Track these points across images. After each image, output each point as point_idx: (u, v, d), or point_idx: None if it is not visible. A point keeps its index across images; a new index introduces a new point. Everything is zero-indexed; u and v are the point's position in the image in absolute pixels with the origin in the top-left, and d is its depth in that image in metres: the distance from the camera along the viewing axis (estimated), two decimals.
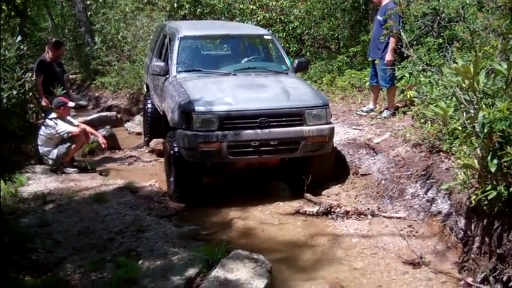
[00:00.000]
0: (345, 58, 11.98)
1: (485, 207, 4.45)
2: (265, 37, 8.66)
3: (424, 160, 6.38)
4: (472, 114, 4.28)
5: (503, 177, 4.18)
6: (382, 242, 5.50)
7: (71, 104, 8.52)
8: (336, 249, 5.51)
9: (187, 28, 8.55)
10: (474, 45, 6.49)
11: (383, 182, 6.63)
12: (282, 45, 10.53)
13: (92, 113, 14.47)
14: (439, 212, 5.63)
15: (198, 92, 6.78)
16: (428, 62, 7.86)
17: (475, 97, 4.29)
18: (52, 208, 6.34)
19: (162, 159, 7.75)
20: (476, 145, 4.44)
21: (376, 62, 8.48)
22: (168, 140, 6.93)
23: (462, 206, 5.12)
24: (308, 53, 12.94)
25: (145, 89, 10.48)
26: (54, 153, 8.01)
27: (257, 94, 6.82)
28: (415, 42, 9.07)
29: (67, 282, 4.51)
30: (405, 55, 7.86)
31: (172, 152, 6.67)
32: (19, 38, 6.90)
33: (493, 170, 4.12)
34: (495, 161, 4.12)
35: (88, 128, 8.57)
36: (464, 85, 4.26)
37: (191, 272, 4.54)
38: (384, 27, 7.92)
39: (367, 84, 9.56)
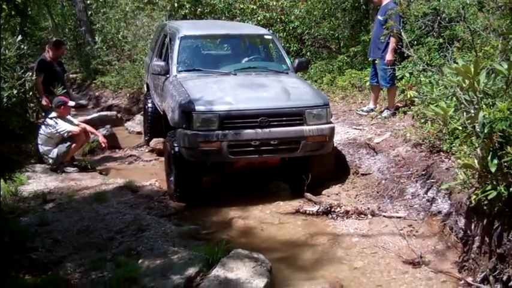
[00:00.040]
0: (346, 58, 11.97)
1: (485, 207, 4.45)
2: (266, 37, 8.66)
3: (424, 160, 6.38)
4: (473, 114, 4.28)
5: (504, 177, 4.18)
6: (382, 242, 5.50)
7: (71, 103, 8.52)
8: (336, 248, 5.52)
9: (188, 28, 8.55)
10: (474, 45, 6.49)
11: (383, 181, 6.63)
12: (283, 45, 10.53)
13: (92, 112, 14.49)
14: (439, 212, 5.63)
15: (199, 91, 6.78)
16: (428, 62, 7.85)
17: (475, 97, 4.29)
18: (52, 207, 6.35)
19: (162, 159, 7.75)
20: (477, 145, 4.45)
21: (376, 61, 8.48)
22: (168, 140, 6.94)
23: (462, 205, 5.12)
24: (308, 53, 12.93)
25: (145, 89, 10.47)
26: (55, 152, 8.01)
27: (257, 94, 6.82)
28: (415, 42, 9.06)
29: (67, 281, 4.51)
30: (405, 55, 7.84)
31: (172, 151, 6.67)
32: (19, 37, 6.89)
33: (493, 170, 4.12)
34: (495, 161, 4.12)
35: (88, 127, 8.58)
36: (464, 85, 4.26)
37: (191, 271, 4.54)
38: (384, 27, 7.91)
39: (368, 84, 9.55)
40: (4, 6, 4.88)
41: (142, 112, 10.83)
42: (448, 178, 5.65)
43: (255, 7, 12.98)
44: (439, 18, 9.15)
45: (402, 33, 7.33)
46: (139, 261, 4.81)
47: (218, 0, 13.40)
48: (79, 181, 7.48)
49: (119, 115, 13.45)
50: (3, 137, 4.36)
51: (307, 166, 6.91)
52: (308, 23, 12.79)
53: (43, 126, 7.79)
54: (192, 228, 5.88)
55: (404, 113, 8.24)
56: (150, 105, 9.44)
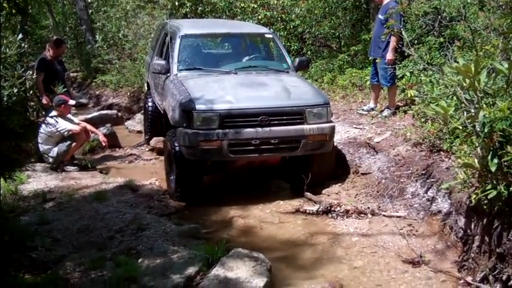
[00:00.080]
0: (346, 57, 11.96)
1: (485, 207, 4.45)
2: (267, 36, 8.66)
3: (424, 159, 6.38)
4: (473, 114, 4.28)
5: (504, 176, 4.18)
6: (382, 241, 5.50)
7: (72, 102, 8.53)
8: (335, 248, 5.51)
9: (189, 26, 8.55)
10: (475, 44, 6.49)
11: (383, 181, 6.62)
12: (283, 43, 10.52)
13: (93, 111, 14.49)
14: (439, 211, 5.63)
15: (199, 90, 6.78)
16: (429, 61, 7.85)
17: (475, 96, 4.29)
18: (52, 206, 6.35)
19: (163, 158, 7.75)
20: (477, 144, 4.45)
21: (377, 60, 8.47)
22: (168, 139, 6.93)
23: (462, 205, 5.12)
24: (309, 52, 12.93)
25: (146, 88, 10.47)
26: (55, 151, 8.01)
27: (258, 92, 6.82)
28: (416, 41, 9.06)
29: (67, 280, 4.51)
30: (406, 54, 7.84)
31: (173, 150, 6.67)
32: (20, 35, 6.90)
33: (493, 169, 4.12)
34: (495, 161, 4.12)
35: (88, 126, 8.57)
36: (465, 84, 4.26)
37: (191, 270, 4.54)
38: (385, 26, 7.92)
39: (368, 83, 9.55)
40: (5, 5, 4.88)
41: (142, 111, 10.82)
42: (448, 177, 5.64)
43: (255, 6, 12.98)
44: (439, 17, 9.15)
45: (403, 32, 7.34)
46: (139, 260, 4.81)
47: None
48: (79, 180, 7.48)
49: (119, 114, 13.44)
50: (3, 135, 4.36)
51: (308, 165, 6.91)
52: (309, 22, 12.79)
53: (43, 125, 7.83)
54: (192, 227, 5.89)
55: (405, 112, 8.24)
56: (150, 104, 9.44)
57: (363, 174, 7.06)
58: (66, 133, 8.03)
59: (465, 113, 4.45)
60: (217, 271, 4.49)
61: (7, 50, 6.24)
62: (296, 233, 5.93)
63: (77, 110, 12.43)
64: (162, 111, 8.06)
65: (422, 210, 5.84)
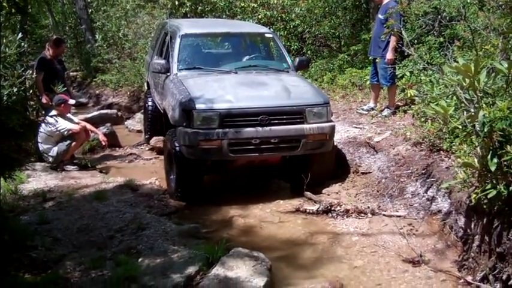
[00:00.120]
0: (346, 56, 11.97)
1: (485, 206, 4.46)
2: (266, 35, 8.66)
3: (424, 159, 6.38)
4: (473, 113, 4.28)
5: (503, 176, 4.18)
6: (382, 241, 5.50)
7: (72, 101, 8.52)
8: (335, 247, 5.52)
9: (189, 26, 8.55)
10: (475, 44, 6.49)
11: (383, 180, 6.62)
12: (283, 43, 10.52)
13: (93, 110, 14.48)
14: (439, 211, 5.63)
15: (199, 89, 6.78)
16: (429, 60, 7.86)
17: (475, 96, 4.29)
18: (52, 206, 6.35)
19: (162, 157, 7.75)
20: (477, 144, 4.45)
21: (377, 60, 8.48)
22: (168, 138, 6.93)
23: (462, 204, 5.12)
24: (309, 52, 12.94)
25: (145, 87, 10.47)
26: (55, 150, 8.01)
27: (258, 92, 6.82)
28: (416, 41, 9.07)
29: (67, 279, 4.51)
30: (406, 54, 7.84)
31: (173, 149, 6.67)
32: (20, 35, 6.91)
33: (493, 169, 4.13)
34: (495, 160, 4.12)
35: (88, 126, 8.57)
36: (464, 84, 4.26)
37: (191, 269, 4.54)
38: (385, 25, 7.92)
39: (368, 82, 9.56)
40: (4, 4, 4.88)
41: (142, 110, 10.82)
42: (448, 177, 5.65)
43: (255, 5, 12.99)
44: (439, 17, 9.16)
45: (403, 32, 7.35)
46: (139, 259, 4.81)
47: None
48: (79, 179, 7.48)
49: (119, 113, 13.43)
50: (3, 135, 4.36)
51: (308, 165, 6.91)
52: (309, 22, 12.80)
53: (43, 124, 7.85)
54: (192, 226, 5.88)
55: (405, 111, 8.25)
56: (150, 103, 9.44)
57: (363, 173, 7.06)
58: (66, 132, 8.03)
59: (465, 112, 4.45)
60: (218, 270, 4.49)
61: (7, 49, 6.25)
62: (296, 232, 5.94)
63: (77, 110, 12.42)
64: (162, 111, 8.06)
65: (422, 209, 5.85)
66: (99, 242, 5.39)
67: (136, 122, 12.10)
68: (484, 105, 4.29)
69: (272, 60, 8.51)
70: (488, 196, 4.22)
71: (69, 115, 8.40)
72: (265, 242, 5.66)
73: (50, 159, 8.04)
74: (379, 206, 6.19)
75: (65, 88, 8.52)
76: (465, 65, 4.14)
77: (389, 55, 8.15)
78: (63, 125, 7.98)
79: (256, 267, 4.56)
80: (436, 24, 9.29)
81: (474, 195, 4.46)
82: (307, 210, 6.35)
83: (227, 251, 4.85)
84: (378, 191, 6.55)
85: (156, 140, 9.21)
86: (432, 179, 5.97)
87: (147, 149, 9.66)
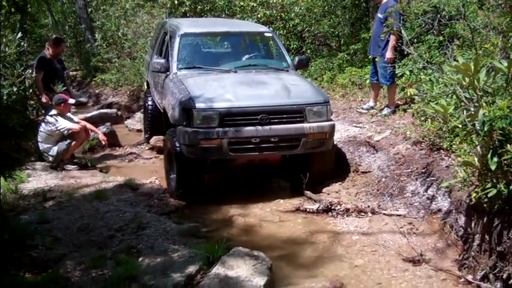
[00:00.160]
0: (346, 56, 11.97)
1: (485, 205, 4.46)
2: (266, 34, 8.66)
3: (424, 158, 6.38)
4: (473, 112, 4.28)
5: (503, 175, 4.19)
6: (382, 240, 5.51)
7: (71, 100, 8.51)
8: (336, 246, 5.52)
9: (188, 25, 8.55)
10: (474, 43, 6.49)
11: (383, 179, 6.63)
12: (283, 42, 10.52)
13: (92, 110, 14.48)
14: (439, 210, 5.63)
15: (199, 88, 6.78)
16: (428, 59, 7.86)
17: (475, 95, 4.29)
18: (52, 205, 6.34)
19: (162, 156, 7.75)
20: (477, 143, 4.45)
21: (376, 59, 8.48)
22: (168, 137, 6.93)
23: (462, 203, 5.12)
24: (308, 51, 12.94)
25: (145, 86, 10.47)
26: (55, 150, 8.01)
27: (258, 91, 6.82)
28: (415, 40, 9.06)
29: (67, 279, 4.51)
30: (406, 53, 7.87)
31: (173, 149, 6.67)
32: (19, 34, 6.92)
33: (493, 167, 4.13)
34: (495, 159, 4.12)
35: (88, 125, 8.56)
36: (464, 83, 4.26)
37: (191, 269, 4.54)
38: (384, 24, 7.93)
39: (368, 81, 9.56)
40: (4, 4, 4.88)
41: (142, 110, 10.82)
42: (448, 176, 5.65)
43: (255, 4, 12.99)
44: (439, 16, 9.15)
45: (402, 31, 7.35)
46: (140, 259, 4.81)
47: None
48: (79, 179, 7.47)
49: (119, 113, 13.42)
50: (3, 134, 4.36)
51: (308, 164, 6.91)
52: (308, 21, 12.80)
53: (43, 124, 7.84)
54: (192, 226, 5.88)
55: (405, 110, 8.24)
56: (150, 102, 9.44)
57: (363, 172, 7.06)
58: (66, 132, 8.03)
59: (465, 111, 4.45)
60: (218, 270, 4.49)
61: (6, 48, 6.26)
62: (296, 231, 5.94)
63: (77, 109, 12.41)
64: (161, 110, 8.06)
65: (423, 208, 5.85)
66: (99, 241, 5.38)
67: (136, 121, 12.09)
68: (484, 104, 4.29)
69: (272, 59, 8.52)
70: (489, 195, 4.22)
71: (69, 114, 8.40)
72: (266, 241, 5.66)
73: (50, 158, 8.03)
74: (379, 205, 6.19)
75: (65, 87, 8.51)
76: (465, 64, 4.14)
77: (388, 54, 8.15)
78: (63, 124, 7.98)
79: (256, 266, 4.56)
80: (435, 23, 9.28)
81: (474, 194, 4.46)
82: (308, 210, 6.36)
83: (227, 250, 4.84)
84: (378, 190, 6.56)
85: (156, 139, 9.21)
86: (432, 178, 5.97)
87: (147, 148, 9.66)
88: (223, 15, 13.41)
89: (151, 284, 4.33)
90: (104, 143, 8.77)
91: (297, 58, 8.19)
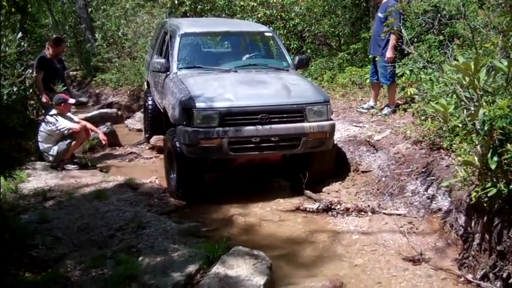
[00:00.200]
0: (346, 55, 11.97)
1: (485, 204, 4.46)
2: (266, 34, 8.66)
3: (424, 157, 6.38)
4: (473, 112, 4.28)
5: (504, 174, 4.19)
6: (382, 239, 5.51)
7: (72, 100, 8.51)
8: (336, 245, 5.52)
9: (188, 25, 8.55)
10: (475, 42, 6.49)
11: (383, 179, 6.63)
12: (283, 42, 10.52)
13: (93, 109, 14.49)
14: (439, 209, 5.63)
15: (199, 88, 6.78)
16: (428, 59, 7.86)
17: (475, 94, 4.29)
18: (52, 205, 6.34)
19: (163, 156, 7.75)
20: (477, 142, 4.45)
21: (376, 59, 8.48)
22: (168, 137, 6.94)
23: (462, 203, 5.12)
24: (309, 50, 12.94)
25: (145, 86, 10.48)
26: (55, 149, 8.01)
27: (258, 90, 6.82)
28: (415, 39, 9.07)
29: (67, 278, 4.51)
30: (406, 52, 7.86)
31: (173, 148, 6.67)
32: (19, 34, 6.92)
33: (493, 167, 4.13)
34: (495, 158, 4.12)
35: (88, 125, 8.57)
36: (464, 82, 4.26)
37: (191, 268, 4.54)
38: (384, 24, 7.93)
39: (368, 81, 9.56)
40: (4, 3, 4.88)
41: (142, 109, 10.83)
42: (448, 175, 5.65)
43: (255, 4, 13.00)
44: (439, 15, 9.15)
45: (402, 31, 7.35)
46: (140, 258, 4.81)
47: None
48: (79, 178, 7.48)
49: (119, 112, 13.43)
50: (3, 134, 4.36)
51: (308, 163, 6.91)
52: (308, 20, 12.81)
53: (43, 124, 7.84)
54: (192, 225, 5.88)
55: (405, 110, 8.24)
56: (150, 102, 9.44)
57: (363, 172, 7.06)
58: (66, 132, 8.03)
59: (465, 111, 4.45)
60: (218, 269, 4.49)
61: (7, 48, 6.26)
62: (296, 231, 5.94)
63: (77, 109, 12.42)
64: (162, 110, 8.06)
65: (423, 208, 5.85)
66: (99, 240, 5.38)
67: (136, 121, 12.10)
68: (484, 103, 4.29)
69: (272, 58, 8.52)
70: (489, 194, 4.22)
71: (69, 114, 8.40)
72: (266, 241, 5.66)
73: (50, 158, 8.04)
74: (379, 205, 6.19)
75: (65, 87, 8.51)
76: (465, 63, 4.14)
77: (389, 53, 8.15)
78: (63, 124, 7.98)
79: (256, 265, 4.56)
80: (435, 23, 9.28)
81: (474, 194, 4.46)
82: (308, 209, 6.36)
83: (227, 249, 4.84)
84: (378, 190, 6.56)
85: (156, 139, 9.21)
86: (432, 178, 5.97)
87: (147, 148, 9.66)
88: (224, 15, 13.42)
89: (152, 283, 4.33)
90: (104, 142, 8.78)
91: (297, 58, 8.19)
